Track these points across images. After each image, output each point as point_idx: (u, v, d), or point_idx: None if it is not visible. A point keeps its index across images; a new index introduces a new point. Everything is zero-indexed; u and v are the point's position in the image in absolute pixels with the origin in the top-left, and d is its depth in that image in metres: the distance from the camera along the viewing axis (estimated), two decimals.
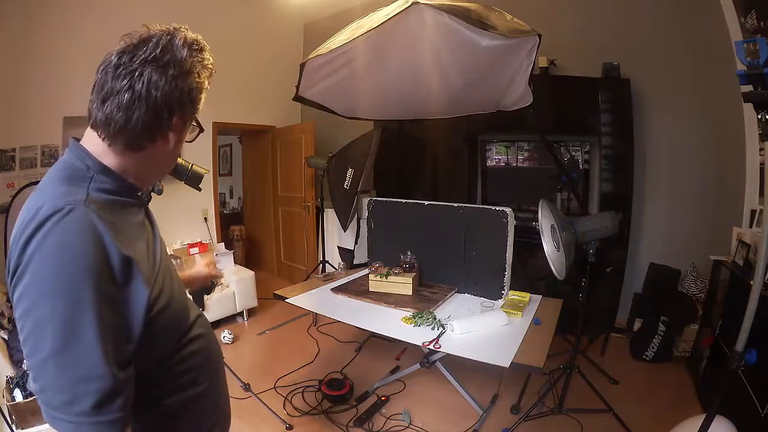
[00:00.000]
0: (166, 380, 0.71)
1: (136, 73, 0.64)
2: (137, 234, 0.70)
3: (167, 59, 0.66)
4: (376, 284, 2.44)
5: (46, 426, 0.56)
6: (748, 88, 1.20)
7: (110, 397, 0.57)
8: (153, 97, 0.65)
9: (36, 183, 0.74)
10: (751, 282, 1.29)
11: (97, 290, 0.56)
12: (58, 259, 0.55)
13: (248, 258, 5.46)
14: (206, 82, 0.74)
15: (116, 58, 0.65)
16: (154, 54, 0.65)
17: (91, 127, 0.68)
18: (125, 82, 0.63)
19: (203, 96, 0.75)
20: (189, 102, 0.71)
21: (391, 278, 2.41)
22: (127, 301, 0.61)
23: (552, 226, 2.11)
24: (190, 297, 0.84)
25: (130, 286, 0.62)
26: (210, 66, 0.74)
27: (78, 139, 0.71)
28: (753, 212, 2.52)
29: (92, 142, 0.68)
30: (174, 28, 0.70)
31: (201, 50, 0.72)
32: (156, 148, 0.70)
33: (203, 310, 3.51)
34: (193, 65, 0.69)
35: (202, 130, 0.80)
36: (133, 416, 0.61)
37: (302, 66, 2.47)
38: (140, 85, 0.64)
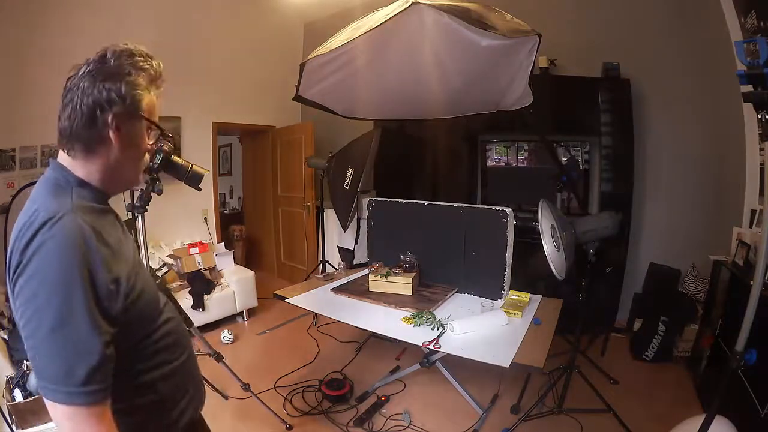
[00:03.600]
0: (145, 357, 0.80)
1: (76, 88, 0.75)
2: (112, 233, 0.78)
3: (98, 69, 0.75)
4: (376, 284, 2.44)
5: (46, 426, 0.59)
6: (748, 88, 1.20)
7: (98, 369, 0.66)
8: (85, 103, 0.74)
9: (36, 183, 0.80)
10: (751, 282, 1.29)
11: (85, 281, 0.67)
12: (54, 256, 0.66)
13: (248, 258, 5.46)
14: (142, 81, 0.79)
15: (66, 85, 0.77)
16: (89, 69, 0.75)
17: (58, 144, 0.79)
18: (68, 97, 0.75)
19: (143, 94, 0.79)
20: (119, 99, 0.76)
21: (391, 278, 2.41)
22: (109, 290, 0.70)
23: (552, 226, 2.11)
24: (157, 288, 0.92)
25: (110, 277, 0.71)
26: (145, 66, 0.79)
27: (55, 158, 0.82)
28: (753, 212, 2.52)
29: (63, 158, 0.79)
30: (109, 45, 0.78)
31: (131, 55, 0.78)
32: (105, 152, 0.78)
33: (203, 310, 3.48)
34: (121, 68, 0.76)
35: (161, 130, 0.86)
36: (120, 388, 0.71)
37: (302, 66, 2.47)
38: (77, 96, 0.74)
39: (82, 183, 0.78)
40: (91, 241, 0.70)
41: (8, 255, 0.70)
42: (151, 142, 0.85)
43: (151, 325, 0.82)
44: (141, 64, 0.79)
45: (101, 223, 0.76)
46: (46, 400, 0.66)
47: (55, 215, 0.69)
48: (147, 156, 0.87)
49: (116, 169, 0.81)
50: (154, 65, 0.81)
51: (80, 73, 0.75)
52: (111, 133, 0.76)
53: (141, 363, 0.80)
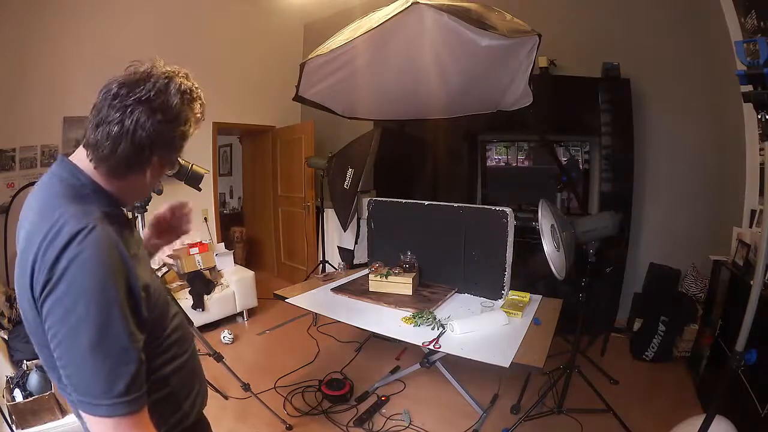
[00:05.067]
0: (161, 353, 0.81)
1: (128, 110, 0.70)
2: (130, 239, 0.77)
3: (159, 102, 0.72)
4: (376, 284, 2.44)
5: (46, 426, 0.59)
6: (748, 88, 1.20)
7: (137, 376, 0.67)
8: (138, 136, 0.71)
9: (39, 182, 0.78)
10: (751, 282, 1.29)
11: (121, 293, 0.67)
12: (90, 270, 0.64)
13: (248, 258, 5.46)
14: (192, 130, 0.80)
15: (116, 89, 0.71)
16: (148, 96, 0.71)
17: (84, 146, 0.75)
18: (117, 114, 0.70)
19: (186, 142, 0.81)
20: (169, 146, 0.77)
21: (391, 278, 2.41)
22: (141, 298, 0.71)
23: (552, 226, 2.11)
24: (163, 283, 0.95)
25: (141, 284, 0.72)
26: (199, 115, 0.81)
27: (66, 155, 0.78)
28: (753, 212, 2.52)
29: (83, 160, 0.75)
30: (174, 72, 0.76)
31: (193, 100, 0.78)
32: (133, 179, 0.78)
33: (203, 310, 3.47)
34: (181, 113, 0.75)
35: (180, 165, 0.92)
36: None
37: (302, 66, 2.47)
38: (129, 122, 0.70)
39: (98, 189, 0.76)
40: (124, 252, 0.69)
41: (29, 267, 0.67)
42: (169, 174, 0.90)
43: (165, 322, 0.83)
44: (197, 111, 0.80)
45: (121, 229, 0.75)
46: (86, 415, 0.66)
47: (86, 226, 0.66)
48: None
49: (132, 191, 0.82)
50: (203, 109, 0.82)
51: (137, 95, 0.70)
52: (148, 171, 0.77)
53: (157, 359, 0.80)
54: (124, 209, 0.86)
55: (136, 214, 1.83)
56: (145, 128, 0.71)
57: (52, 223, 0.67)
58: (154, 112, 0.71)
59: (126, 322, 0.66)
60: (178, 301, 1.97)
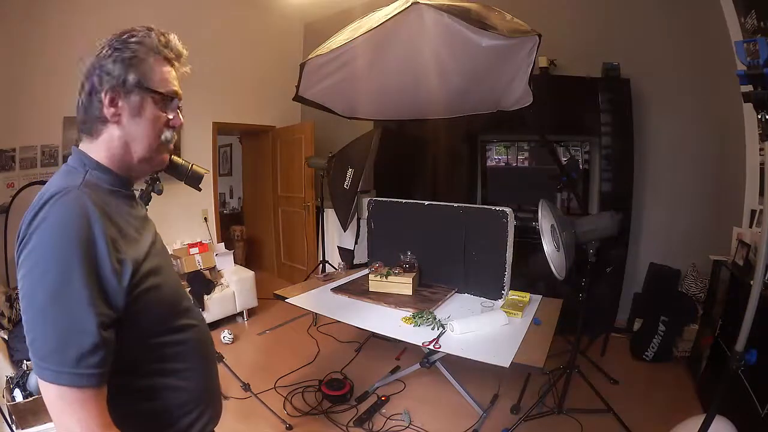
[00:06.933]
0: (156, 359, 0.77)
1: (86, 78, 0.77)
2: (123, 215, 0.77)
3: (103, 53, 0.77)
4: (376, 284, 2.44)
5: (46, 426, 0.58)
6: (748, 88, 1.20)
7: (92, 351, 0.63)
8: (88, 80, 0.76)
9: (36, 183, 0.79)
10: (751, 282, 1.29)
11: (85, 256, 0.65)
12: (55, 230, 0.65)
13: (248, 258, 5.46)
14: (142, 52, 0.78)
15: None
16: (98, 55, 0.77)
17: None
18: (82, 87, 0.77)
19: (143, 60, 0.78)
20: (107, 74, 0.75)
21: (391, 278, 2.41)
22: (113, 269, 0.68)
23: (552, 226, 2.11)
24: (184, 291, 0.91)
25: (115, 256, 0.69)
26: (145, 39, 0.78)
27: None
28: (753, 212, 2.52)
29: (81, 144, 0.80)
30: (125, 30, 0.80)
31: (127, 32, 0.79)
32: (109, 128, 0.78)
33: (203, 310, 3.47)
34: (118, 44, 0.77)
35: (176, 97, 0.83)
36: (124, 388, 0.69)
37: (302, 66, 2.46)
38: (88, 83, 0.76)
39: (98, 166, 0.78)
40: (96, 217, 0.68)
41: (17, 233, 0.70)
42: (170, 116, 0.82)
43: (165, 325, 0.78)
44: (140, 37, 0.78)
45: (113, 203, 0.75)
46: (38, 379, 0.64)
47: (61, 190, 0.68)
48: (168, 133, 0.83)
49: (124, 146, 0.78)
50: (155, 34, 0.80)
51: (94, 65, 0.77)
52: (105, 110, 0.76)
53: (149, 364, 0.76)
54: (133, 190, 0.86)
55: None
56: (90, 71, 0.76)
57: (41, 193, 0.70)
58: (99, 59, 0.76)
59: (87, 289, 0.63)
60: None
